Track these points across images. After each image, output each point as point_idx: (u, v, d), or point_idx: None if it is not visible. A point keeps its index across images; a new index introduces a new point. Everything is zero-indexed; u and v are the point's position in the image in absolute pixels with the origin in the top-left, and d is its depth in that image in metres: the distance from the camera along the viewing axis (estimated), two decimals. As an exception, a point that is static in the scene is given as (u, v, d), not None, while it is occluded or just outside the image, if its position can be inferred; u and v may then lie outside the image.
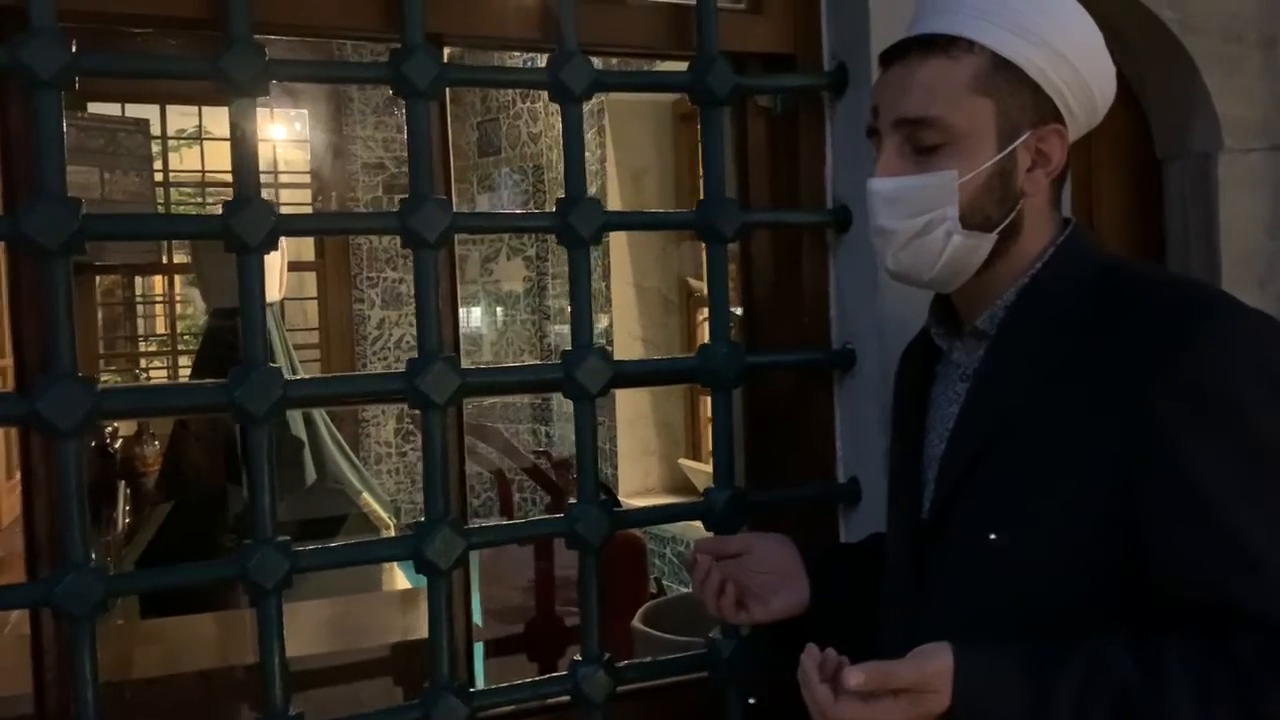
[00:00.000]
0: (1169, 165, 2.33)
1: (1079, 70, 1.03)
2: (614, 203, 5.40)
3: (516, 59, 4.47)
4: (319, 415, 4.01)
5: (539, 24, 1.40)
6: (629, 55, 1.59)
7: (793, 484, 1.58)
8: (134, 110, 6.40)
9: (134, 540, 3.87)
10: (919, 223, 1.02)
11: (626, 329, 5.45)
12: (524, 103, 6.37)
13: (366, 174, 6.68)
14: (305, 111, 6.88)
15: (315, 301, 6.84)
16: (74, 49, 1.15)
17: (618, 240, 5.35)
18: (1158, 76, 2.27)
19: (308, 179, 6.93)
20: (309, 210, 6.84)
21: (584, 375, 1.36)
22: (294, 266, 6.87)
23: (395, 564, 4.46)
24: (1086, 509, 0.94)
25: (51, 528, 1.22)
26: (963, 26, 1.01)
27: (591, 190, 5.07)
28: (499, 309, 6.66)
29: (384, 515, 3.97)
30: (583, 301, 1.38)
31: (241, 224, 1.21)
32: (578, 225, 1.35)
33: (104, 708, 1.17)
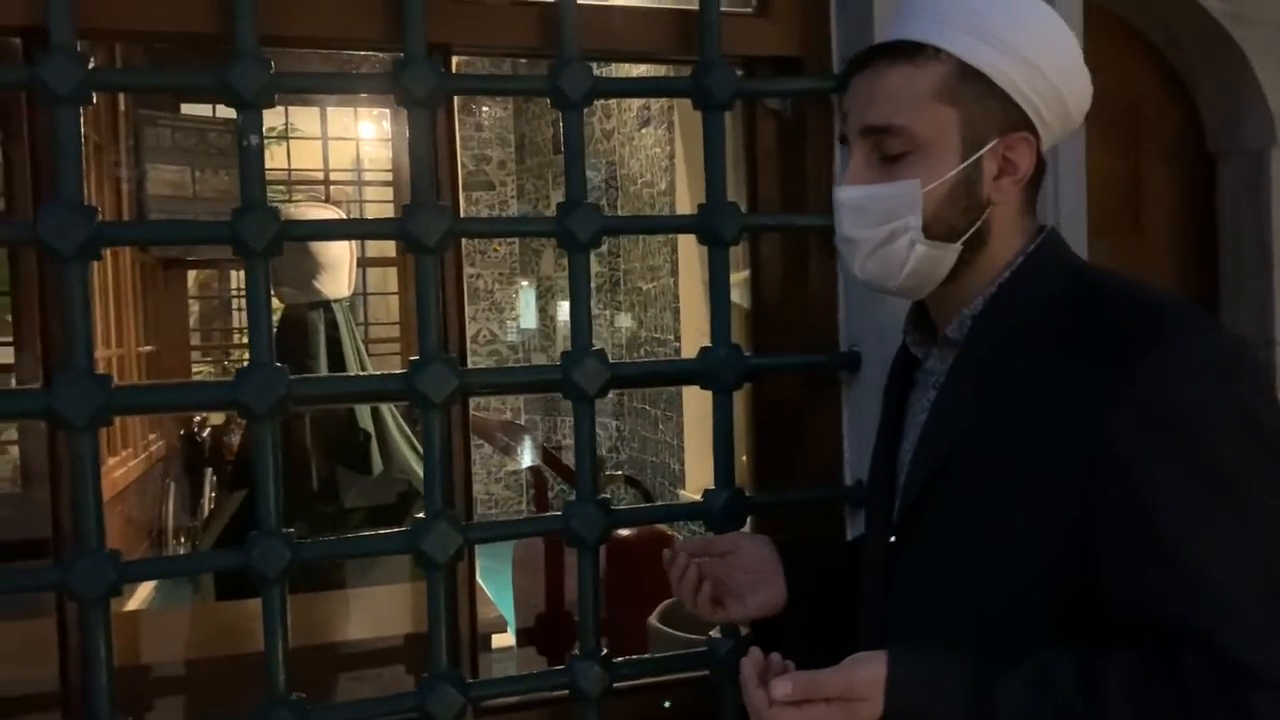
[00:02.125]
0: (1221, 161, 2.26)
1: (1051, 79, 1.01)
2: (683, 198, 5.41)
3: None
4: (387, 409, 4.10)
5: (541, 31, 1.43)
6: (634, 61, 1.61)
7: (799, 486, 1.59)
8: (225, 111, 6.62)
9: (210, 527, 4.02)
10: (883, 231, 1.02)
11: (695, 326, 5.46)
12: (597, 100, 6.43)
13: (445, 171, 6.80)
14: (389, 110, 7.05)
15: (396, 296, 7.00)
16: (90, 66, 1.22)
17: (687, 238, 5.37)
18: (1208, 70, 2.20)
19: (390, 177, 7.09)
20: (390, 207, 7.01)
21: (581, 376, 1.39)
22: (375, 262, 7.06)
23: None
24: (1042, 525, 0.94)
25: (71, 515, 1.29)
26: (930, 33, 1.01)
27: (661, 186, 5.04)
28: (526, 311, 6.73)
29: (449, 506, 4.05)
30: (581, 304, 1.41)
31: (247, 230, 1.27)
32: (576, 230, 1.38)
33: (116, 687, 1.24)
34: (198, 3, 1.29)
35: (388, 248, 7.18)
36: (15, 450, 4.72)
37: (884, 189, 1.01)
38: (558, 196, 7.09)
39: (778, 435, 1.63)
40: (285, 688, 1.30)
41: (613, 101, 6.36)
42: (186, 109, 6.50)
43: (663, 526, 2.46)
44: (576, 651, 1.42)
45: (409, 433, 4.37)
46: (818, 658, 0.96)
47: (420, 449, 4.43)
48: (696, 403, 5.43)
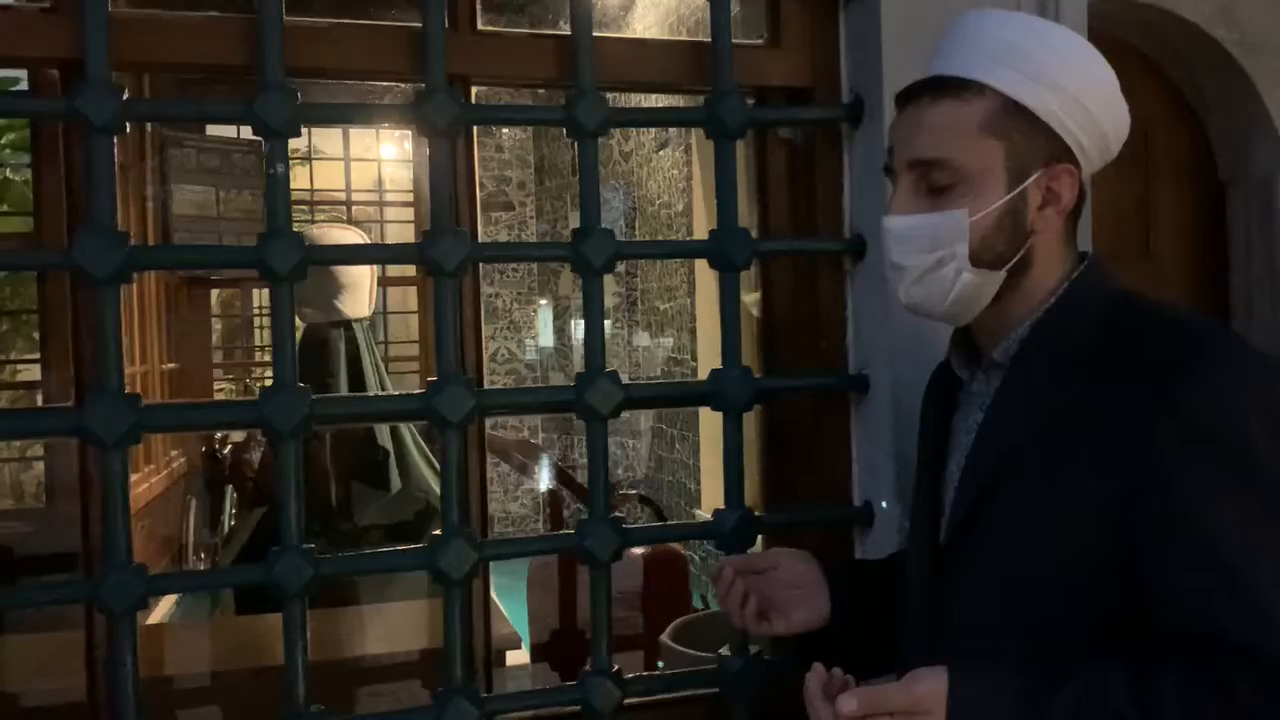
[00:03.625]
0: (1231, 188, 2.29)
1: (1091, 111, 1.05)
2: (699, 220, 5.45)
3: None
4: (405, 426, 4.15)
5: (559, 63, 1.47)
6: (649, 91, 1.65)
7: (809, 506, 1.61)
8: (249, 132, 6.71)
9: (230, 543, 4.07)
10: (930, 259, 1.05)
11: (712, 346, 5.50)
12: (613, 130, 6.51)
13: (465, 192, 6.87)
14: (410, 132, 7.14)
15: (416, 316, 7.06)
16: (124, 97, 1.27)
17: (704, 257, 5.40)
18: (1218, 98, 2.23)
19: (410, 197, 7.17)
20: (411, 228, 7.09)
21: (595, 397, 1.42)
22: (396, 281, 7.13)
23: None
24: (1084, 545, 0.97)
25: (102, 530, 1.33)
26: (974, 69, 1.05)
27: (679, 207, 5.06)
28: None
29: (467, 524, 4.09)
30: (595, 327, 1.45)
31: (274, 255, 1.31)
32: (590, 255, 1.42)
33: (143, 697, 1.28)
34: (227, 36, 1.34)
35: (408, 268, 7.26)
36: (40, 466, 4.79)
37: (932, 218, 1.05)
38: (576, 218, 7.15)
39: (788, 455, 1.66)
40: (305, 700, 1.34)
41: (631, 124, 6.42)
42: (211, 130, 6.59)
43: (676, 545, 2.49)
44: (589, 668, 1.45)
45: (427, 450, 4.41)
46: (860, 671, 1.00)
47: (438, 466, 4.48)
48: (713, 423, 5.45)
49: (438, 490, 4.46)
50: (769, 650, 1.52)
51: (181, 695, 2.20)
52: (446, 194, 1.39)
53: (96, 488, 1.33)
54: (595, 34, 1.45)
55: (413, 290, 7.17)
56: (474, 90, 1.49)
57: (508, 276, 6.91)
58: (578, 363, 6.84)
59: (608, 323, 6.74)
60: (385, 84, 1.51)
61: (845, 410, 1.59)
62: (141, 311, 5.26)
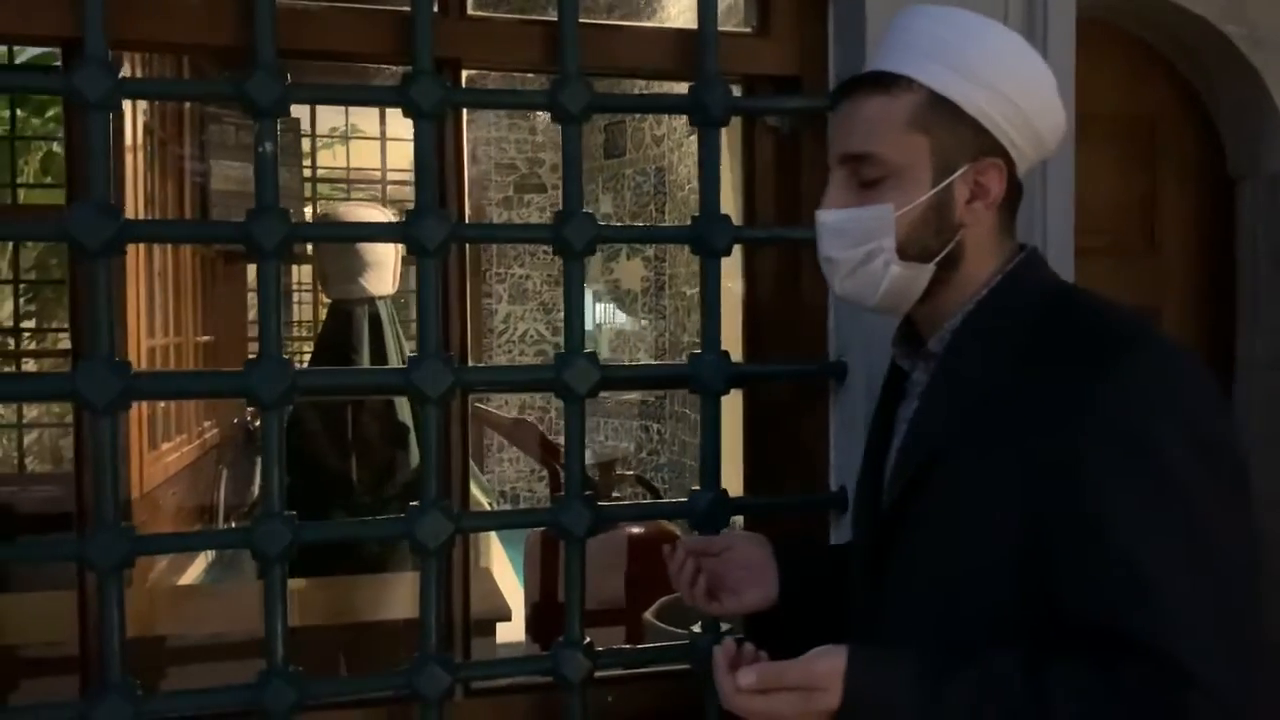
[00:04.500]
0: (1241, 185, 2.27)
1: (1022, 108, 1.05)
2: (728, 203, 5.43)
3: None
4: (425, 407, 4.22)
5: (547, 49, 1.50)
6: (635, 77, 1.67)
7: (788, 490, 1.64)
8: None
9: (255, 511, 4.16)
10: (860, 253, 1.07)
11: (735, 332, 5.50)
12: (596, 115, 6.53)
13: (499, 174, 6.94)
14: (446, 112, 7.21)
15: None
16: (120, 75, 1.31)
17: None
18: (1227, 92, 2.21)
19: (445, 177, 7.23)
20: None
21: (572, 377, 1.46)
22: (428, 260, 7.20)
23: (497, 543, 4.65)
24: (1003, 536, 0.99)
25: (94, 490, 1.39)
26: (903, 64, 1.06)
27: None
28: (616, 308, 6.82)
29: (483, 499, 4.16)
30: (575, 309, 1.48)
31: (260, 231, 1.36)
32: (571, 238, 1.45)
33: (127, 651, 1.34)
34: (221, 18, 1.38)
35: (441, 247, 7.34)
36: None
37: (860, 212, 1.07)
38: (607, 200, 7.21)
39: (769, 440, 1.68)
40: (283, 661, 1.39)
41: (664, 108, 6.43)
42: (251, 107, 6.70)
43: (671, 526, 2.52)
44: (561, 639, 1.49)
45: (447, 428, 4.48)
46: (807, 650, 1.01)
47: (458, 445, 4.52)
48: (734, 408, 5.46)
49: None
50: (742, 630, 1.55)
51: (197, 651, 2.28)
52: (431, 175, 1.42)
53: (87, 450, 1.39)
54: (583, 20, 1.47)
55: (445, 270, 7.26)
56: (465, 74, 1.53)
57: (539, 259, 6.97)
58: (605, 345, 6.88)
59: (633, 310, 6.80)
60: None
61: (825, 397, 1.62)
62: (176, 285, 5.37)
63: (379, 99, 1.53)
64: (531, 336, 6.68)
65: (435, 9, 1.45)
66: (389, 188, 6.95)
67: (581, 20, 1.47)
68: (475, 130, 6.94)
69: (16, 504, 4.05)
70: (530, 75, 1.71)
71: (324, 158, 7.68)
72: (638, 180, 6.51)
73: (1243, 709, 0.89)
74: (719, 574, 1.27)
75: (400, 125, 8.21)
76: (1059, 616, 0.95)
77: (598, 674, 1.49)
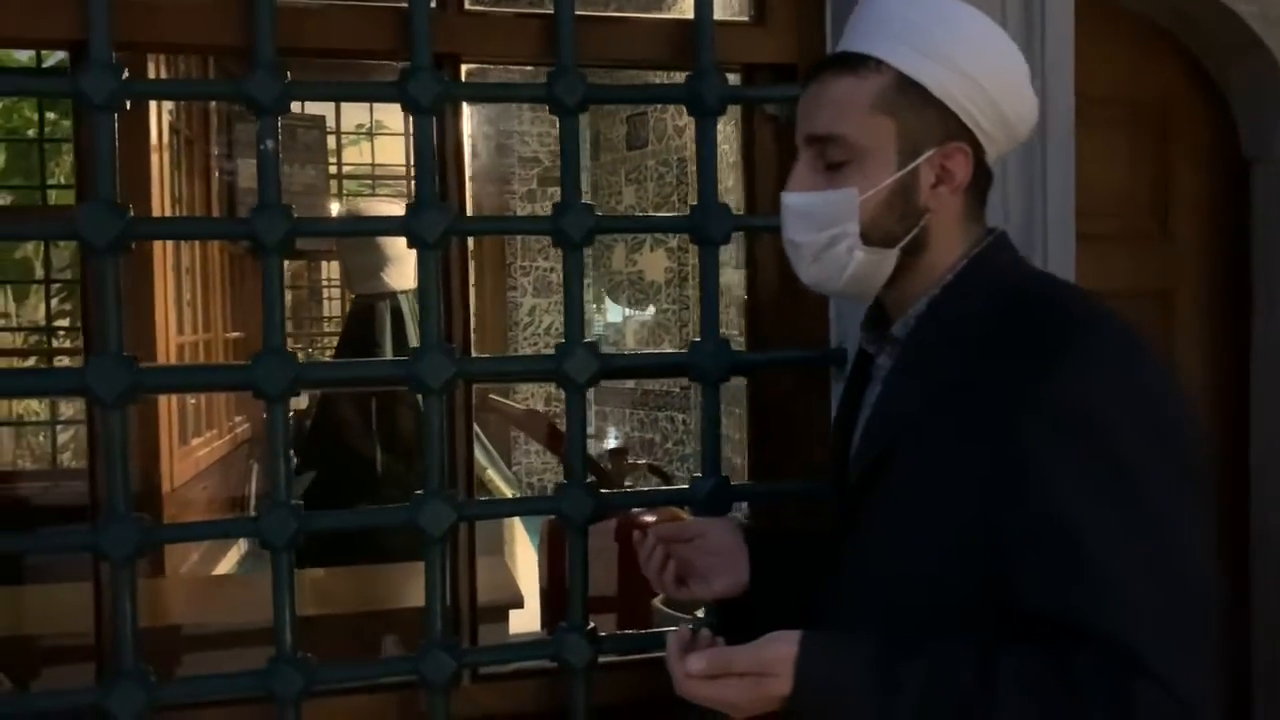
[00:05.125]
0: (1255, 166, 2.24)
1: (987, 90, 1.05)
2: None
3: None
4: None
5: (546, 42, 1.51)
6: (633, 68, 1.68)
7: (792, 476, 1.65)
8: (313, 108, 6.88)
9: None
10: (824, 237, 1.06)
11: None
12: (593, 106, 6.53)
13: (523, 167, 6.97)
14: (468, 109, 7.26)
15: (473, 289, 7.20)
16: (124, 76, 1.34)
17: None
18: (1241, 74, 2.19)
19: (471, 172, 7.28)
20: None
21: (572, 367, 1.47)
22: (456, 254, 7.25)
23: (521, 532, 4.69)
24: (958, 523, 0.99)
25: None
26: (872, 46, 1.05)
27: (729, 182, 5.01)
28: (642, 299, 6.83)
29: (506, 491, 4.19)
30: (575, 299, 1.50)
31: (263, 227, 1.38)
32: (569, 229, 1.47)
33: (142, 642, 1.38)
34: (222, 19, 1.41)
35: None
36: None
37: (824, 196, 1.06)
38: (630, 192, 7.21)
39: (773, 428, 1.69)
40: (292, 647, 1.42)
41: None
42: (276, 105, 6.78)
43: (680, 511, 2.53)
44: (565, 624, 1.51)
45: (475, 425, 4.52)
46: None
47: (482, 438, 4.58)
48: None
49: (480, 459, 4.56)
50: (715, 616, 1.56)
51: (228, 639, 2.32)
52: (430, 168, 1.44)
53: (99, 443, 1.42)
54: (581, 13, 1.49)
55: (470, 263, 7.32)
56: (465, 69, 1.55)
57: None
58: (630, 338, 6.90)
59: (658, 301, 6.80)
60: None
61: (827, 384, 1.62)
62: (205, 282, 5.45)
63: (378, 95, 1.55)
64: (556, 329, 6.71)
65: (434, 4, 1.47)
66: (414, 183, 6.99)
67: (579, 13, 1.49)
68: (499, 124, 6.98)
69: (49, 499, 4.14)
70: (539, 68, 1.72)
71: (351, 154, 7.75)
72: (660, 171, 6.51)
73: (1198, 703, 0.88)
74: (690, 561, 1.27)
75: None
76: (1012, 604, 0.94)
77: (602, 659, 1.51)
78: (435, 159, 1.48)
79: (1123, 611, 0.89)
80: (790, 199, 1.09)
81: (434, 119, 1.45)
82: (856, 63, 1.05)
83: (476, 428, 4.63)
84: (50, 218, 5.19)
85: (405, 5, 1.44)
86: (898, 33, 1.05)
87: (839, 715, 0.96)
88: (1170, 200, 2.24)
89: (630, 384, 6.57)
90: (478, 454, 4.54)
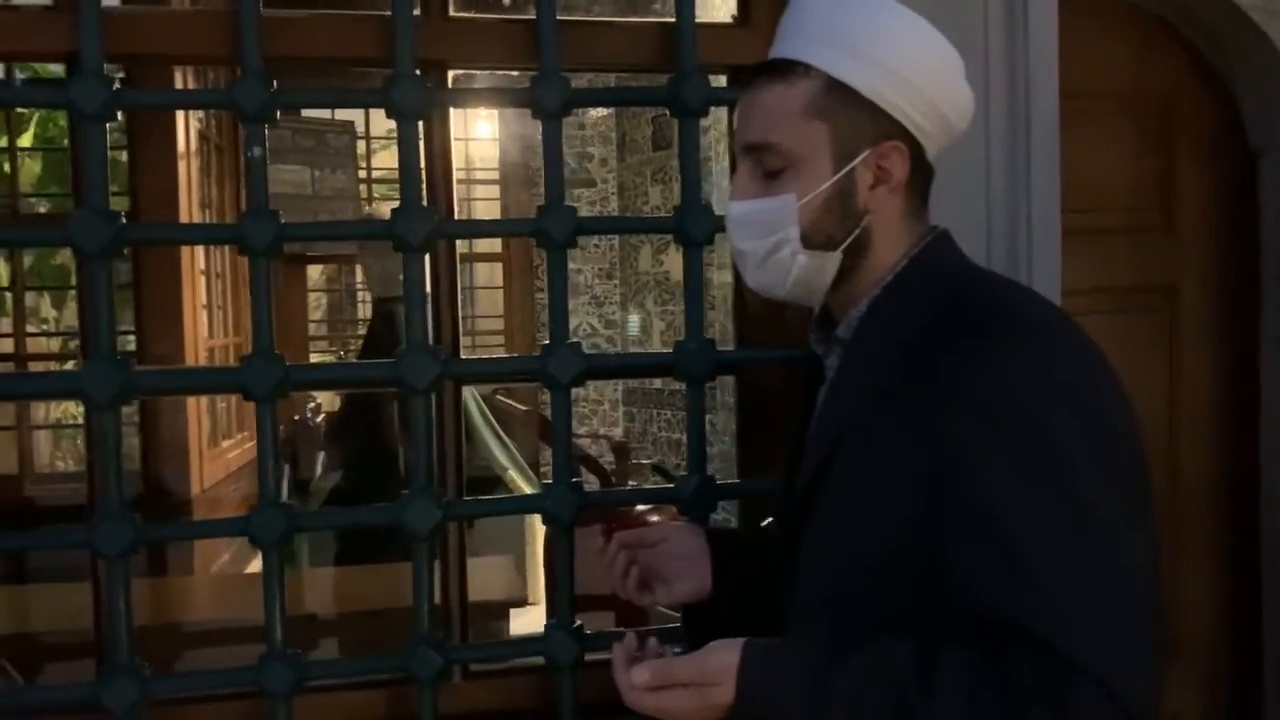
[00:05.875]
0: (1262, 158, 2.22)
1: (918, 87, 1.04)
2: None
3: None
4: (473, 401, 4.31)
5: (530, 47, 1.53)
6: (616, 71, 1.70)
7: (765, 475, 1.65)
8: (343, 113, 6.96)
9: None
10: (768, 244, 1.07)
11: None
12: (576, 110, 6.54)
13: (549, 169, 7.00)
14: (498, 112, 7.31)
15: (501, 290, 7.25)
16: (115, 88, 1.38)
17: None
18: (1246, 66, 2.17)
19: (496, 175, 7.34)
20: (497, 204, 7.26)
21: (556, 367, 1.49)
22: (483, 258, 7.32)
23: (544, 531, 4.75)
24: (895, 520, 0.98)
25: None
26: (799, 51, 1.05)
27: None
28: (669, 299, 6.84)
29: (525, 488, 4.23)
30: (559, 300, 1.52)
31: (252, 232, 1.42)
32: (552, 230, 1.49)
33: (135, 636, 1.41)
34: (210, 28, 1.45)
35: (494, 244, 7.44)
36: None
37: (764, 204, 1.06)
38: (656, 192, 7.23)
39: (761, 427, 1.70)
40: (282, 644, 1.45)
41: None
42: (306, 112, 6.86)
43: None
44: (552, 622, 1.53)
45: (494, 423, 4.56)
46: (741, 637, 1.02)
47: (504, 439, 4.61)
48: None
49: (501, 460, 4.61)
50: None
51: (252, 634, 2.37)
52: (414, 173, 1.47)
53: (96, 444, 1.46)
54: (563, 18, 1.51)
55: (498, 266, 7.37)
56: (451, 75, 1.57)
57: (589, 253, 7.02)
58: (656, 339, 6.91)
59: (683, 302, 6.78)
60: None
61: (814, 382, 1.63)
62: (235, 287, 5.54)
63: (362, 101, 1.58)
64: (584, 330, 6.74)
65: (418, 12, 1.49)
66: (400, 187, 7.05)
67: (562, 18, 1.51)
68: (524, 127, 7.01)
69: (78, 500, 4.21)
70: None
71: (383, 159, 7.83)
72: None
73: (1141, 707, 0.88)
74: (653, 565, 1.27)
75: (458, 126, 8.34)
76: (952, 604, 0.94)
77: (592, 656, 1.52)
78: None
79: (1057, 613, 0.89)
80: (732, 208, 1.09)
81: (419, 124, 1.48)
82: (785, 69, 1.05)
83: (499, 429, 4.66)
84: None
85: (389, 14, 1.46)
86: (824, 36, 1.05)
87: None
88: (1175, 194, 2.22)
89: (658, 383, 6.57)
90: (499, 455, 4.58)
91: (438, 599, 1.55)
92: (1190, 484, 2.22)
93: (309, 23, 1.50)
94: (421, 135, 1.49)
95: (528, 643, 1.55)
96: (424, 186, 1.51)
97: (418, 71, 1.45)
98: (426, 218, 1.46)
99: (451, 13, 1.54)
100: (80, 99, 1.37)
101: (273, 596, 1.45)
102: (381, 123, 7.42)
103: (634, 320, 6.89)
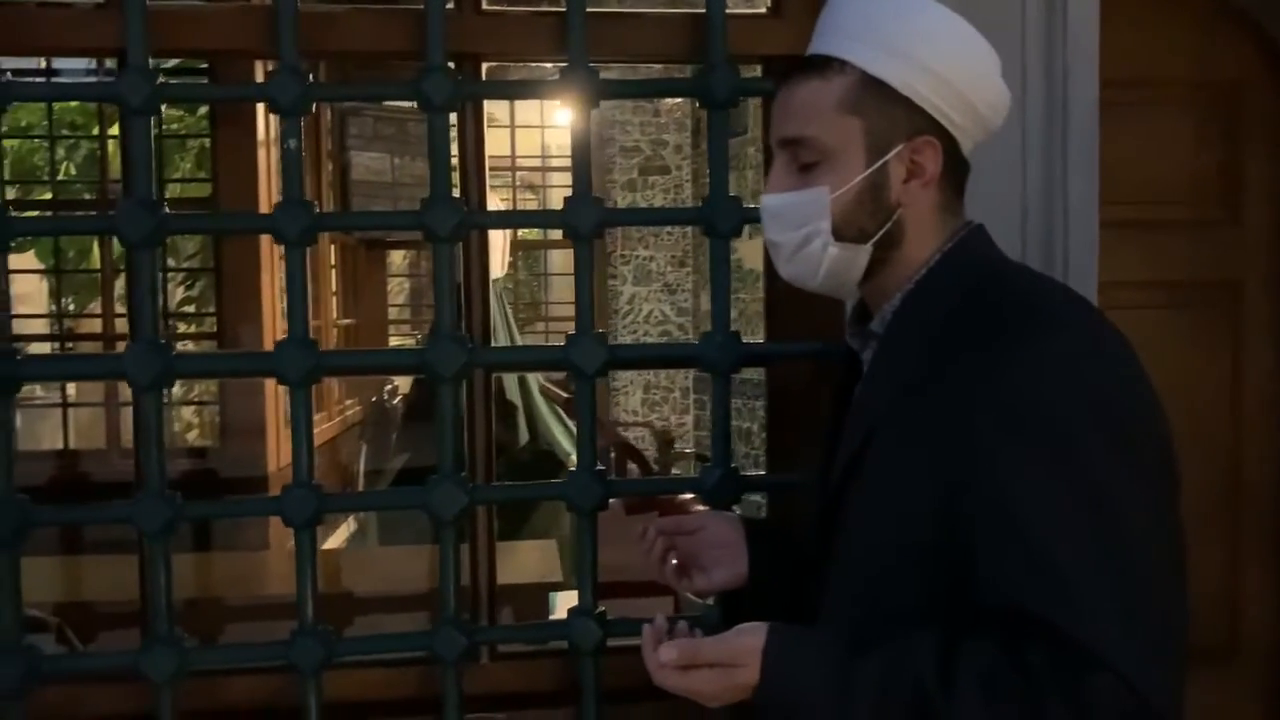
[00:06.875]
0: (1334, 150, 2.12)
1: (952, 83, 1.05)
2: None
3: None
4: (534, 383, 4.36)
5: (560, 39, 1.54)
6: (647, 62, 1.70)
7: (811, 466, 1.65)
8: (423, 101, 7.06)
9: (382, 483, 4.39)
10: (799, 236, 1.08)
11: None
12: (607, 100, 6.50)
13: (624, 157, 7.03)
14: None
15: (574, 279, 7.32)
16: (159, 82, 1.44)
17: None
18: (1317, 53, 2.07)
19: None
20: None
21: (580, 357, 1.51)
22: (557, 245, 7.38)
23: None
24: (923, 519, 0.99)
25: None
26: (835, 47, 1.07)
27: None
28: (739, 286, 6.80)
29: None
30: (584, 290, 1.53)
31: (285, 222, 1.46)
32: (578, 222, 1.51)
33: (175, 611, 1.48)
34: (249, 24, 1.49)
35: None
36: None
37: (797, 196, 1.08)
38: (731, 179, 7.17)
39: (789, 420, 1.70)
40: (312, 620, 1.50)
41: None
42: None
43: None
44: (576, 606, 1.55)
45: (557, 406, 4.61)
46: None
47: (567, 421, 4.66)
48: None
49: (564, 443, 4.67)
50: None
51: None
52: (443, 164, 1.50)
53: (140, 425, 1.53)
54: (593, 10, 1.52)
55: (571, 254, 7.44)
56: (485, 67, 1.59)
57: (663, 240, 7.03)
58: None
59: (757, 289, 6.76)
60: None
61: (843, 375, 1.62)
62: (315, 271, 5.69)
63: (394, 94, 1.62)
64: (656, 317, 6.76)
65: (451, 6, 1.52)
66: (518, 174, 7.15)
67: (592, 10, 1.52)
68: (599, 114, 7.05)
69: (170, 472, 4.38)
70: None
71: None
72: (759, 159, 6.44)
73: (1160, 701, 0.88)
74: (692, 553, 1.29)
75: (534, 113, 8.41)
76: (975, 597, 0.95)
77: (617, 642, 1.54)
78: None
79: (1078, 608, 0.89)
80: (766, 200, 1.12)
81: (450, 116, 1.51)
82: (822, 65, 1.07)
83: (562, 413, 4.69)
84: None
85: (422, 8, 1.49)
86: (860, 33, 1.06)
87: (802, 707, 0.98)
88: (1242, 186, 2.15)
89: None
90: (563, 440, 4.61)
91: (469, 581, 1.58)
92: (1252, 486, 2.16)
93: (345, 17, 1.54)
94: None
95: (551, 627, 1.57)
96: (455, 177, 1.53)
97: (450, 64, 1.48)
98: (456, 208, 1.49)
99: (484, 6, 1.56)
100: (127, 93, 1.42)
101: (304, 574, 1.50)
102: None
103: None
